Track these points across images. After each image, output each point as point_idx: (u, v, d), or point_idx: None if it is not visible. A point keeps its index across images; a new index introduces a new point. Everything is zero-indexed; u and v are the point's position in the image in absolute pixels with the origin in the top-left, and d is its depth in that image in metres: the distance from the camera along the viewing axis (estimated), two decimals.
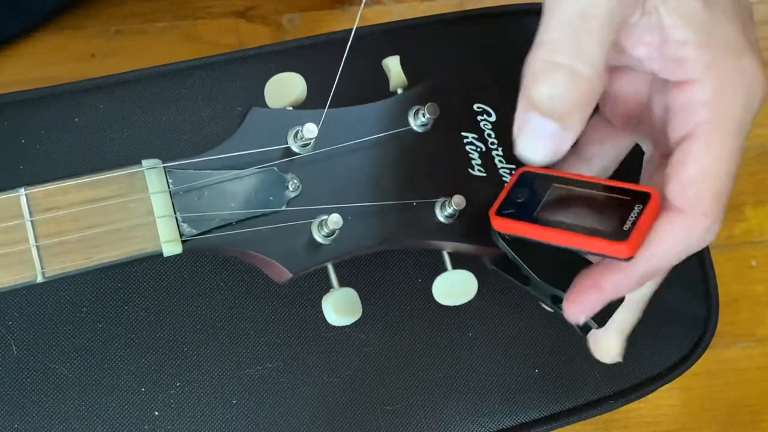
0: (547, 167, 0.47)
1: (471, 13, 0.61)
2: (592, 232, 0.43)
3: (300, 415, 0.53)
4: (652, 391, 0.57)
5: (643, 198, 0.44)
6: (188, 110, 0.56)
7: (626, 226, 0.43)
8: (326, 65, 0.58)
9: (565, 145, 0.45)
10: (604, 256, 0.44)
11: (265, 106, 0.48)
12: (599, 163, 0.51)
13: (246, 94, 0.57)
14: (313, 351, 0.54)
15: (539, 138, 0.45)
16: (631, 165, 0.54)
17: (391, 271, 0.55)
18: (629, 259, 0.42)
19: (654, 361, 0.57)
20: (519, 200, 0.47)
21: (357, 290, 0.54)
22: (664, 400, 0.73)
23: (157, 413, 0.52)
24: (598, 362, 0.56)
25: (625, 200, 0.44)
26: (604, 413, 0.56)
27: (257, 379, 0.53)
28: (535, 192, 0.47)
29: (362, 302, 0.54)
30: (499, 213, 0.47)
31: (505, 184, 0.48)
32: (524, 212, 0.46)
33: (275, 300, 0.50)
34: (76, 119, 0.55)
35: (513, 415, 0.55)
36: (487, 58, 0.60)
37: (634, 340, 0.57)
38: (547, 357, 0.56)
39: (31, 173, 0.54)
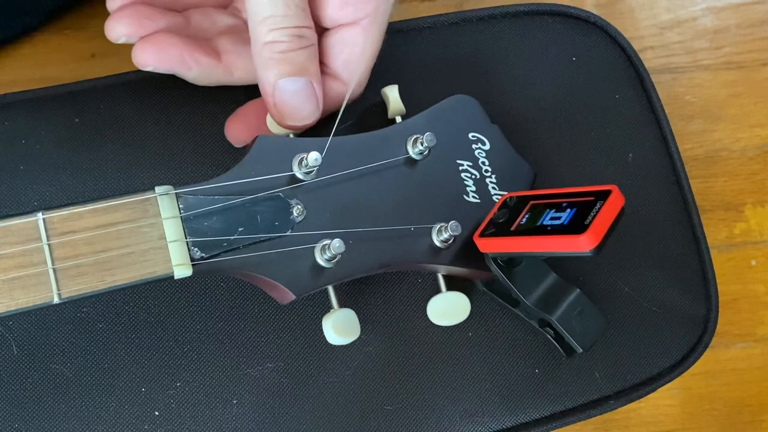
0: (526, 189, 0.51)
1: (470, 14, 0.61)
2: (558, 232, 0.46)
3: (300, 415, 0.53)
4: (652, 391, 0.57)
5: (604, 195, 0.46)
6: (188, 110, 0.56)
7: (587, 221, 0.45)
8: None
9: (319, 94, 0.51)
10: (574, 254, 0.46)
11: (268, 130, 0.50)
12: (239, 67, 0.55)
13: (246, 94, 0.57)
14: (313, 351, 0.54)
15: (298, 97, 0.51)
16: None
17: (390, 272, 0.55)
18: (593, 251, 0.44)
19: (654, 361, 0.57)
20: (500, 221, 0.50)
21: (357, 290, 0.55)
22: (664, 400, 0.73)
23: (157, 413, 0.52)
24: (598, 362, 0.56)
25: (588, 201, 0.47)
26: (604, 413, 0.56)
27: (257, 379, 0.53)
28: (514, 211, 0.50)
29: (362, 302, 0.55)
30: (482, 235, 0.50)
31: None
32: (504, 229, 0.49)
33: (275, 300, 0.50)
34: (76, 119, 0.55)
35: (513, 415, 0.55)
36: (485, 59, 0.60)
37: (635, 339, 0.57)
38: (547, 357, 0.56)
39: (31, 173, 0.54)
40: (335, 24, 0.52)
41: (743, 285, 0.75)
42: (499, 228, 0.49)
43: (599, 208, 0.46)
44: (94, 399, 0.52)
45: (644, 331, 0.57)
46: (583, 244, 0.45)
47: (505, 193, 0.53)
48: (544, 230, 0.47)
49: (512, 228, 0.48)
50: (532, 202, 0.49)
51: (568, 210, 0.47)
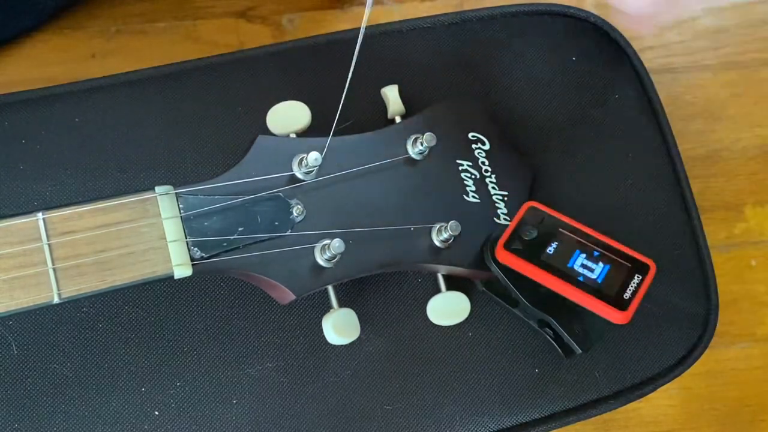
0: (551, 208, 0.51)
1: (470, 14, 0.61)
2: (596, 293, 0.48)
3: (300, 414, 0.53)
4: (652, 391, 0.57)
5: (643, 269, 0.48)
6: (188, 110, 0.56)
7: (626, 295, 0.47)
8: (326, 66, 0.59)
9: None
10: (600, 313, 0.48)
11: (268, 130, 0.50)
12: None
13: (246, 94, 0.57)
14: (313, 351, 0.54)
15: None
16: None
17: (390, 272, 0.55)
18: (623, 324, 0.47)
19: (654, 361, 0.57)
20: (526, 238, 0.50)
21: (357, 290, 0.55)
22: (664, 400, 0.73)
23: (157, 413, 0.52)
24: (598, 362, 0.56)
25: (625, 266, 0.49)
26: (604, 413, 0.56)
27: (257, 378, 0.53)
28: (542, 234, 0.50)
29: (362, 302, 0.55)
30: (507, 247, 0.50)
31: (513, 218, 0.51)
32: (531, 252, 0.49)
33: (275, 300, 0.50)
34: (76, 119, 0.55)
35: (513, 415, 0.55)
36: (485, 59, 0.60)
37: (635, 339, 0.57)
38: (547, 357, 0.56)
39: (31, 173, 0.54)
40: None
41: (743, 285, 0.76)
42: (526, 248, 0.50)
43: (639, 284, 0.48)
44: (94, 399, 0.52)
45: (644, 331, 0.57)
46: (619, 319, 0.47)
47: (506, 192, 0.53)
48: (575, 279, 0.48)
49: (540, 256, 0.49)
50: (560, 229, 0.50)
51: (601, 264, 0.49)
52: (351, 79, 0.48)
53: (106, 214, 0.45)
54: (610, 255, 0.49)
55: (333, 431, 0.53)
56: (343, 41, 0.59)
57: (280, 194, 0.48)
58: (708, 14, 0.80)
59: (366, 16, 0.47)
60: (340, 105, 0.49)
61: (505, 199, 0.53)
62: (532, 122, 0.59)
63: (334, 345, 0.52)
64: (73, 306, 0.53)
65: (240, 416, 0.53)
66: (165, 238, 0.45)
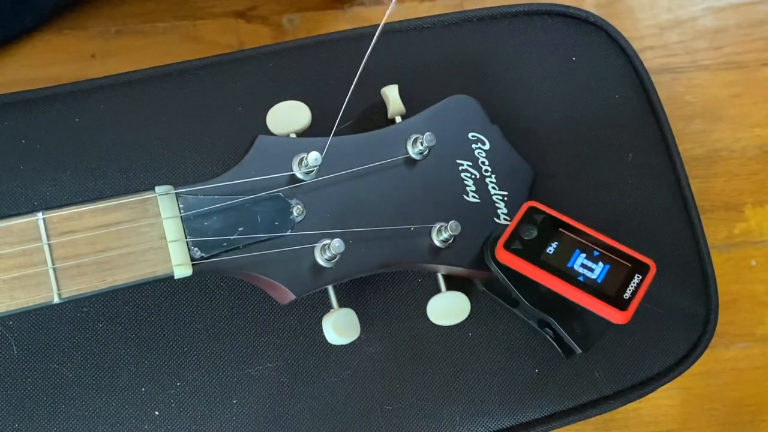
0: (551, 208, 0.51)
1: (470, 14, 0.61)
2: (596, 293, 0.48)
3: (300, 414, 0.53)
4: (652, 391, 0.57)
5: (643, 269, 0.49)
6: (188, 110, 0.56)
7: (626, 295, 0.48)
8: (326, 66, 0.59)
9: None
10: (600, 313, 0.48)
11: (268, 130, 0.50)
12: None
13: (246, 94, 0.57)
14: (313, 351, 0.54)
15: None
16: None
17: (390, 272, 0.55)
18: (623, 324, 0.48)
19: (654, 361, 0.57)
20: (526, 238, 0.50)
21: (357, 290, 0.55)
22: (664, 400, 0.73)
23: (157, 413, 0.52)
24: (597, 362, 0.56)
25: (625, 266, 0.49)
26: (604, 413, 0.56)
27: (257, 378, 0.53)
28: (542, 233, 0.50)
29: (362, 302, 0.55)
30: (507, 247, 0.50)
31: (513, 218, 0.51)
32: (531, 252, 0.49)
33: (275, 300, 0.50)
34: (76, 119, 0.55)
35: (513, 415, 0.55)
36: (485, 59, 0.60)
37: (635, 339, 0.57)
38: (547, 357, 0.56)
39: (31, 173, 0.54)
40: None
41: (743, 285, 0.76)
42: (526, 248, 0.50)
43: (639, 284, 0.48)
44: (94, 399, 0.52)
45: (644, 331, 0.57)
46: (619, 319, 0.47)
47: (506, 192, 0.53)
48: (575, 279, 0.48)
49: (540, 256, 0.49)
50: (560, 229, 0.50)
51: (601, 264, 0.49)
52: (351, 77, 0.48)
53: (106, 214, 0.45)
54: (610, 255, 0.49)
55: (333, 431, 0.53)
56: (344, 41, 0.59)
57: (280, 194, 0.48)
58: (708, 14, 0.81)
59: (387, 14, 0.47)
60: (344, 104, 0.49)
61: (505, 199, 0.53)
62: (533, 122, 0.59)
63: (334, 345, 0.52)
64: (73, 306, 0.53)
65: (240, 416, 0.53)
66: (165, 238, 0.45)
